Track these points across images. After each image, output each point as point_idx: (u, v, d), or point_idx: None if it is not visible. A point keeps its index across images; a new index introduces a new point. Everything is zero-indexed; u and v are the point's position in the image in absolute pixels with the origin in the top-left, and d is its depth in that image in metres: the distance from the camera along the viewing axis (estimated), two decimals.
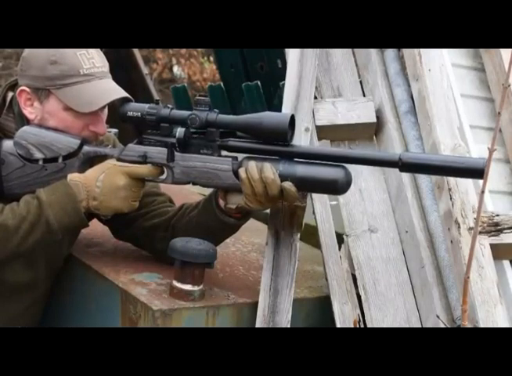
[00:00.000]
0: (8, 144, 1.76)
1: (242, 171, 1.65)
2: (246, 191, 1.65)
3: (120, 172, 1.72)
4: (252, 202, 1.67)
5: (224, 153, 1.73)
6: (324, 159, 1.64)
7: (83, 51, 1.75)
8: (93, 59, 1.76)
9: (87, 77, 1.75)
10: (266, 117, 1.63)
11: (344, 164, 1.63)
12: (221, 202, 1.75)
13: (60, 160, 1.76)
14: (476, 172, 1.53)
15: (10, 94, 1.82)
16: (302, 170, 1.63)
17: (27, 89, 1.77)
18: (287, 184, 1.62)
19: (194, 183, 1.73)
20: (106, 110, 1.81)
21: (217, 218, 1.76)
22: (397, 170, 1.84)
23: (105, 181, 1.71)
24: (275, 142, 1.65)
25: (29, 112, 1.78)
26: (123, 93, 1.77)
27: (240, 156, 1.71)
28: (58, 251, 1.88)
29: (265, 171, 1.63)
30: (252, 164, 1.65)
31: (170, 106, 1.74)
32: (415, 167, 1.61)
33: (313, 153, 1.67)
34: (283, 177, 1.63)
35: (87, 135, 1.79)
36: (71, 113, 1.76)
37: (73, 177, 1.72)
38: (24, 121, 1.79)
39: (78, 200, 1.70)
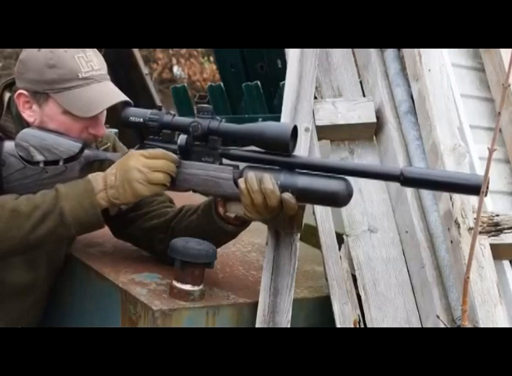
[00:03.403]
0: (9, 145, 1.75)
1: (241, 182, 1.64)
2: (245, 202, 1.64)
3: (132, 155, 1.68)
4: (251, 213, 1.66)
5: (225, 161, 1.72)
6: (325, 171, 1.63)
7: (81, 54, 1.74)
8: (91, 62, 1.75)
9: (85, 80, 1.74)
10: (268, 127, 1.62)
11: (345, 177, 1.62)
12: (221, 209, 1.75)
13: (61, 163, 1.75)
14: (474, 189, 1.51)
15: (7, 94, 1.82)
16: (303, 181, 1.62)
17: (25, 93, 1.76)
18: (287, 195, 1.61)
19: (194, 190, 1.72)
20: (104, 112, 1.80)
21: (215, 224, 1.76)
22: None
23: (119, 167, 1.68)
24: (276, 152, 1.65)
25: (28, 115, 1.77)
26: (122, 97, 1.77)
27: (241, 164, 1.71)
28: (58, 251, 1.88)
29: (265, 182, 1.61)
30: (251, 175, 1.63)
31: (172, 112, 1.74)
32: (416, 182, 1.58)
33: (314, 164, 1.65)
34: (284, 188, 1.62)
35: (86, 138, 1.78)
36: (70, 116, 1.75)
37: (97, 172, 1.70)
38: (23, 122, 1.79)
39: (96, 194, 1.67)
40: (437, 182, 1.57)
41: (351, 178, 1.63)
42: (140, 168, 1.66)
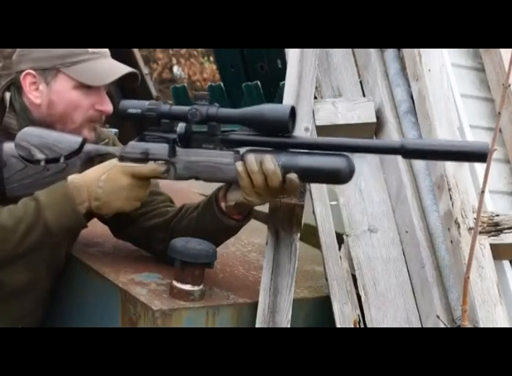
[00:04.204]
0: (9, 146, 1.75)
1: (238, 165, 1.63)
2: (243, 184, 1.63)
3: (122, 172, 1.70)
4: (251, 195, 1.64)
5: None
6: (326, 149, 1.62)
7: None
8: None
9: (95, 55, 1.78)
10: (267, 109, 1.61)
11: (346, 153, 1.61)
12: (222, 204, 1.75)
13: (62, 160, 1.75)
14: (480, 156, 1.48)
15: (8, 94, 1.83)
16: (305, 160, 1.61)
17: (33, 72, 1.77)
18: (292, 176, 1.60)
19: (197, 178, 1.71)
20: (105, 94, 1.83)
21: (217, 219, 1.76)
22: (397, 168, 1.83)
23: (107, 181, 1.69)
24: (276, 133, 1.64)
25: (34, 96, 1.79)
26: (131, 69, 1.81)
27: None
28: (59, 252, 1.88)
29: (266, 163, 1.60)
30: (251, 157, 1.62)
31: (170, 102, 1.74)
32: (418, 152, 1.57)
33: (315, 143, 1.65)
34: (286, 168, 1.61)
35: (93, 115, 1.81)
36: (80, 91, 1.78)
37: (75, 178, 1.71)
38: (28, 113, 1.79)
39: (77, 201, 1.69)
40: (439, 151, 1.54)
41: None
42: (129, 187, 1.69)
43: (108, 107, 1.82)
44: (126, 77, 1.81)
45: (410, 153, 1.57)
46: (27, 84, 1.79)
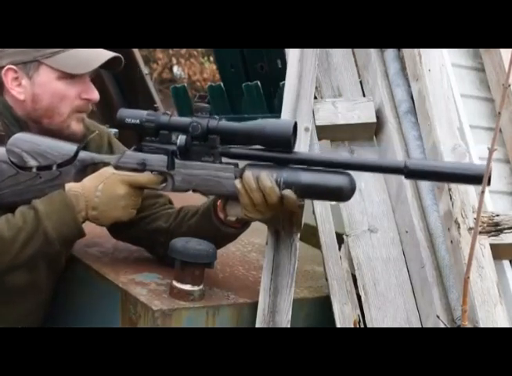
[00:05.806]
0: (0, 151, 1.73)
1: (237, 182, 1.62)
2: (244, 202, 1.63)
3: (119, 181, 1.68)
4: (252, 212, 1.64)
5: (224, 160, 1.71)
6: (328, 166, 1.62)
7: None
8: None
9: None
10: (269, 123, 1.61)
11: (348, 171, 1.62)
12: (221, 215, 1.74)
13: (55, 167, 1.72)
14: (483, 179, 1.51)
15: None
16: (307, 177, 1.61)
17: (13, 67, 1.74)
18: (287, 192, 1.60)
19: (194, 190, 1.70)
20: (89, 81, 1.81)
21: (215, 228, 1.75)
22: None
23: (104, 190, 1.68)
24: (277, 149, 1.63)
25: (17, 92, 1.76)
26: (114, 53, 1.77)
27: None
28: (58, 255, 1.87)
29: (263, 180, 1.60)
30: (248, 174, 1.62)
31: (168, 112, 1.72)
32: (421, 174, 1.58)
33: (317, 160, 1.64)
34: (288, 185, 1.60)
35: (80, 105, 1.78)
36: (64, 81, 1.75)
37: (72, 187, 1.69)
38: (11, 111, 1.76)
39: (76, 210, 1.68)
40: (441, 173, 1.56)
41: (352, 172, 1.63)
42: (126, 197, 1.69)
43: (95, 95, 1.79)
44: (110, 62, 1.78)
45: (413, 174, 1.58)
46: (9, 81, 1.75)
